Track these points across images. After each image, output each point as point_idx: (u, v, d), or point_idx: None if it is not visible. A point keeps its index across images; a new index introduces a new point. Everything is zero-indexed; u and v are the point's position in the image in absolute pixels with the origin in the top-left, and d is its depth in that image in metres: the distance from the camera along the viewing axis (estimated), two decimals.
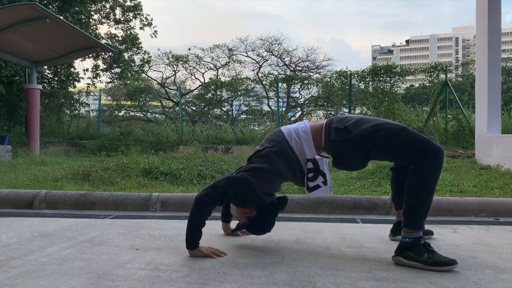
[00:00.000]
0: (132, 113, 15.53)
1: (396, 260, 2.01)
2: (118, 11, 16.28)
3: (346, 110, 12.05)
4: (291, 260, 2.07)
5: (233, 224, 2.71)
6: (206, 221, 2.15)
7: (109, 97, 15.71)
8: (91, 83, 16.14)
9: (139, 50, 16.48)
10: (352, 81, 12.04)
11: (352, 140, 2.09)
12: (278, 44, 18.67)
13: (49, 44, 8.87)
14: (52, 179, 4.78)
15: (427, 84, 12.51)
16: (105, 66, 16.04)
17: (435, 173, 2.00)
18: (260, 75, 16.24)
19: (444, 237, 2.58)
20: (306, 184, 2.27)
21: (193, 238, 2.12)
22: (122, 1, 16.11)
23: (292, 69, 18.81)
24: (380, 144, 2.06)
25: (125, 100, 14.84)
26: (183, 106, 14.39)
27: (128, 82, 15.76)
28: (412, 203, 2.01)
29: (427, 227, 2.70)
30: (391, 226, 2.55)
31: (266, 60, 18.80)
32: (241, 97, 15.48)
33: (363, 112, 11.69)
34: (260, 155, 2.26)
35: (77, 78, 14.57)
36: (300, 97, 14.67)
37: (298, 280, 1.76)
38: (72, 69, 14.16)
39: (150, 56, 16.94)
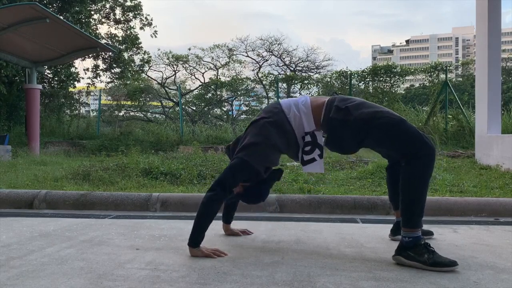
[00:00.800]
0: (132, 113, 15.54)
1: (396, 260, 2.02)
2: (118, 11, 16.29)
3: None
4: (291, 260, 2.07)
5: (234, 224, 2.71)
6: None
7: (109, 97, 15.72)
8: (91, 83, 16.15)
9: (139, 50, 16.49)
10: (352, 81, 12.05)
11: (351, 122, 2.09)
12: (278, 44, 18.73)
13: (49, 44, 8.87)
14: (52, 179, 4.78)
15: (427, 84, 12.53)
16: (105, 66, 16.04)
17: (428, 168, 2.01)
18: (260, 75, 16.27)
19: (444, 237, 2.58)
20: (301, 158, 2.27)
21: (197, 237, 2.13)
22: (122, 1, 16.12)
23: (292, 69, 18.85)
24: (378, 131, 2.06)
25: (125, 100, 14.84)
26: (183, 106, 14.39)
27: (128, 82, 15.76)
28: (408, 200, 2.02)
29: (427, 227, 2.71)
30: (391, 226, 2.55)
31: (266, 60, 18.86)
32: (241, 97, 15.49)
33: None
34: (256, 126, 2.27)
35: (77, 78, 14.58)
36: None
37: (298, 280, 1.76)
38: (72, 69, 14.17)
39: (150, 56, 16.97)
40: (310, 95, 14.26)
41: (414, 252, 1.96)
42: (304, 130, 2.22)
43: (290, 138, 2.23)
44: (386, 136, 2.07)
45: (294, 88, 14.56)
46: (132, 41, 15.95)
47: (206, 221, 2.14)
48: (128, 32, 16.26)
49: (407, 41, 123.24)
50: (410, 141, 2.01)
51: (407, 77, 12.46)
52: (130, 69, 16.15)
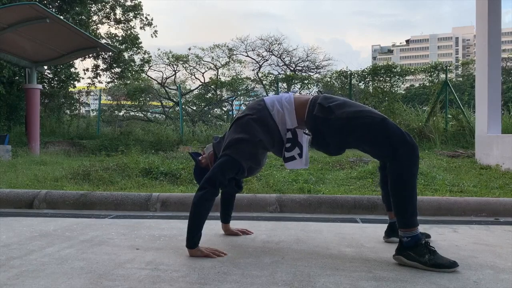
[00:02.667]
0: (132, 113, 15.52)
1: (397, 260, 2.01)
2: (118, 11, 16.30)
3: None
4: (291, 260, 2.07)
5: (234, 224, 2.71)
6: (206, 221, 2.16)
7: (109, 97, 15.71)
8: (91, 83, 16.14)
9: (139, 50, 16.49)
10: (352, 81, 12.05)
11: (333, 121, 2.09)
12: (278, 44, 18.73)
13: (49, 44, 8.87)
14: (52, 179, 4.78)
15: (427, 84, 12.51)
16: (105, 66, 16.04)
17: (413, 166, 2.01)
18: (260, 75, 16.27)
19: (444, 237, 2.58)
20: (283, 154, 2.27)
21: (194, 237, 2.13)
22: (122, 1, 16.12)
23: (292, 69, 18.84)
24: (360, 130, 2.06)
25: (125, 100, 14.83)
26: (183, 106, 14.38)
27: (128, 82, 15.75)
28: (399, 200, 2.01)
29: (427, 227, 2.71)
30: None
31: (266, 60, 18.86)
32: (241, 97, 15.48)
33: None
34: (240, 123, 2.27)
35: (77, 78, 14.58)
36: None
37: (298, 280, 1.76)
38: (72, 69, 14.16)
39: (150, 56, 16.97)
40: (310, 95, 14.25)
41: (415, 252, 1.95)
42: (286, 126, 2.22)
43: (274, 134, 2.24)
44: (368, 135, 2.06)
45: (294, 88, 14.55)
46: (132, 41, 15.96)
47: (200, 221, 2.13)
48: (128, 32, 16.27)
49: (407, 41, 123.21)
50: (391, 140, 2.01)
51: (407, 77, 12.43)
52: (130, 69, 16.14)
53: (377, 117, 2.06)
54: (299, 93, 15.07)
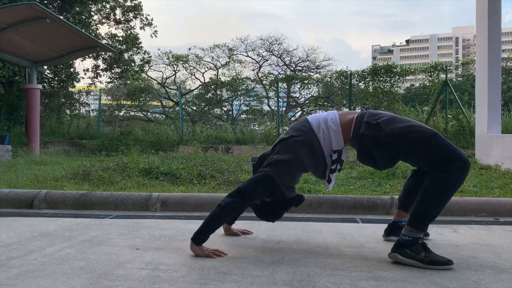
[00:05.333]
0: (132, 113, 15.51)
1: (392, 257, 2.02)
2: (118, 11, 16.27)
3: (347, 110, 12.04)
4: (291, 260, 2.07)
5: (234, 224, 2.71)
6: None
7: (109, 97, 15.71)
8: (91, 83, 16.14)
9: (139, 50, 16.46)
10: (352, 81, 12.05)
11: (382, 138, 2.08)
12: (278, 44, 18.73)
13: (49, 44, 8.87)
14: (52, 179, 4.77)
15: (427, 84, 12.52)
16: (105, 66, 16.03)
17: (459, 181, 2.01)
18: (260, 75, 16.28)
19: (444, 237, 2.58)
20: (328, 176, 2.27)
21: (203, 236, 2.14)
22: (122, 1, 16.11)
23: (292, 69, 18.84)
24: (411, 146, 2.05)
25: (125, 100, 14.83)
26: (183, 106, 14.38)
27: (128, 82, 15.75)
28: (427, 205, 2.01)
29: None
30: None
31: (266, 60, 18.85)
32: (241, 97, 15.48)
33: None
34: (285, 144, 2.24)
35: (77, 78, 14.57)
36: (300, 97, 14.68)
37: (298, 280, 1.76)
38: (72, 69, 14.16)
39: (150, 56, 16.93)
40: (310, 95, 14.29)
41: (411, 250, 1.97)
42: (332, 148, 2.21)
43: (319, 157, 2.22)
44: (420, 150, 2.05)
45: (294, 88, 14.56)
46: (132, 41, 15.93)
47: (217, 223, 2.16)
48: (129, 32, 16.24)
49: (407, 41, 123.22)
50: (443, 155, 2.00)
51: (407, 77, 12.45)
52: (130, 69, 16.13)
53: (428, 131, 2.05)
54: (299, 93, 14.98)
